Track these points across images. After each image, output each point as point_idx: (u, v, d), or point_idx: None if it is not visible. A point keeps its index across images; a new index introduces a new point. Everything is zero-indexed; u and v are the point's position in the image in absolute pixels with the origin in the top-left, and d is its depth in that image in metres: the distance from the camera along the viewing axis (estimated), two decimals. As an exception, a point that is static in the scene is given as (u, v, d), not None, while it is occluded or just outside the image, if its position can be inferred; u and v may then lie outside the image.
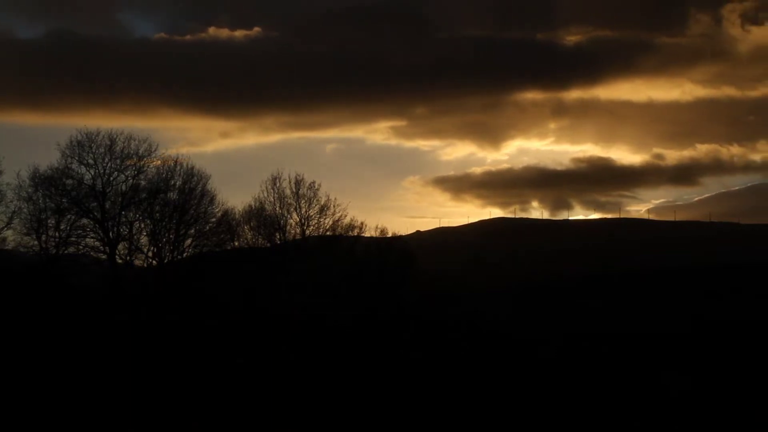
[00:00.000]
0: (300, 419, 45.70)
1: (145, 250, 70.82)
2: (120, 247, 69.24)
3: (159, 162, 70.90)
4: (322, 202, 79.50)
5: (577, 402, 51.85)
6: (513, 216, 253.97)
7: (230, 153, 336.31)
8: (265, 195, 79.11)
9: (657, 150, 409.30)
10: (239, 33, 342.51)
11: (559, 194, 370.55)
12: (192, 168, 72.65)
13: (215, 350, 62.64)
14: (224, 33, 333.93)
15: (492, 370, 61.63)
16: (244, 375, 58.74)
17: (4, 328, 57.62)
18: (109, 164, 68.97)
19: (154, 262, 71.10)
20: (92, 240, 68.88)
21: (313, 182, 79.80)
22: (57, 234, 67.13)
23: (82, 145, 68.46)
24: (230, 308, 70.24)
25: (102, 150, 68.78)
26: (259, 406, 49.84)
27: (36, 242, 66.23)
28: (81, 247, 68.84)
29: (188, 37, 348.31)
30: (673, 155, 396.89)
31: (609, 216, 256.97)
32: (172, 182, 71.74)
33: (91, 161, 68.74)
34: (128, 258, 70.02)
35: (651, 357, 68.06)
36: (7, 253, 65.69)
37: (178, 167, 72.03)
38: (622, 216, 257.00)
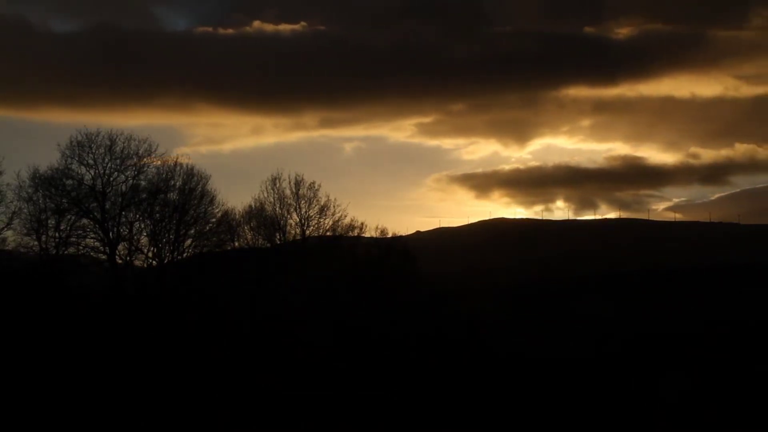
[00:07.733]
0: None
1: (145, 250, 70.76)
2: (120, 247, 69.10)
3: (160, 160, 70.74)
4: (322, 203, 79.44)
5: (577, 404, 51.85)
6: (514, 216, 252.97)
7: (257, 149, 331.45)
8: (265, 195, 79.11)
9: (694, 149, 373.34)
10: (284, 27, 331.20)
11: (585, 193, 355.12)
12: (192, 168, 72.74)
13: (214, 351, 62.68)
14: (269, 27, 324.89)
15: (485, 374, 61.76)
16: (243, 376, 58.80)
17: (4, 329, 57.61)
18: (109, 164, 68.88)
19: (154, 262, 71.05)
20: (92, 240, 68.73)
21: (313, 182, 79.73)
22: (57, 234, 67.01)
23: (82, 146, 68.32)
24: (229, 310, 70.24)
25: (102, 150, 68.65)
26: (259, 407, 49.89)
27: (36, 243, 66.12)
28: (81, 247, 68.68)
29: (230, 30, 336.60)
30: (709, 154, 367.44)
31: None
32: (172, 182, 71.75)
33: (91, 161, 68.59)
34: (128, 258, 69.92)
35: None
36: (8, 254, 65.63)
37: (178, 167, 72.08)
38: (648, 217, 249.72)
